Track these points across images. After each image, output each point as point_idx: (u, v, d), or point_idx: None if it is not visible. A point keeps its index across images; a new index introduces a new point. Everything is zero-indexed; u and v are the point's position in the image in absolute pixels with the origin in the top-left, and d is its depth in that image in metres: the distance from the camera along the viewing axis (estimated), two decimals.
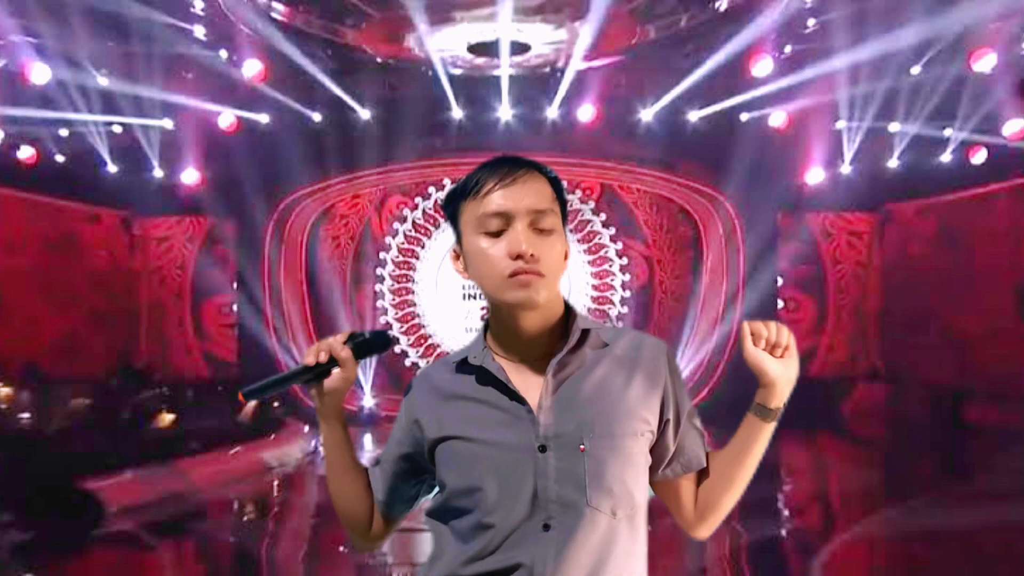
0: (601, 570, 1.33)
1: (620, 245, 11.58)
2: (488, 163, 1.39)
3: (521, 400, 1.36)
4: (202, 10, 7.93)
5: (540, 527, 1.31)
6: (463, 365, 1.42)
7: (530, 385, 1.38)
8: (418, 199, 11.60)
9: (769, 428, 1.47)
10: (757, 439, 1.47)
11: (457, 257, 1.44)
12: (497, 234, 1.35)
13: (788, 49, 8.73)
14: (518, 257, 1.33)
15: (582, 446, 1.34)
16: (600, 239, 11.62)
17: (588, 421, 1.35)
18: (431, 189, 11.57)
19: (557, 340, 1.40)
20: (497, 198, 1.34)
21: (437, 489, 1.45)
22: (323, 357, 1.44)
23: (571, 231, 6.82)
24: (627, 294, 11.65)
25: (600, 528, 1.33)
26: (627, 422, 1.38)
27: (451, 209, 1.42)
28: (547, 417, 1.35)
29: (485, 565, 1.33)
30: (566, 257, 1.42)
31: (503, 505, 1.32)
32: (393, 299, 11.71)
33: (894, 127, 9.85)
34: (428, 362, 10.51)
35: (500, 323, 1.43)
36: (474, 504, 1.34)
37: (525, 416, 1.35)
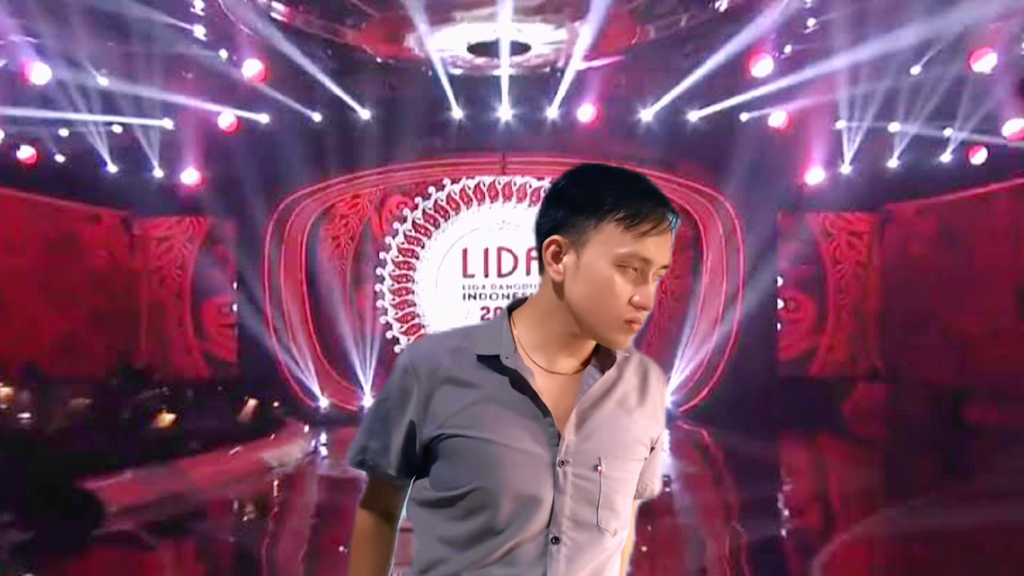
0: None
1: None
2: (640, 190, 1.31)
3: (547, 412, 1.34)
4: (202, 10, 7.93)
5: (550, 540, 1.31)
6: (491, 360, 1.36)
7: (556, 396, 1.36)
8: (418, 199, 11.60)
9: None
10: None
11: (558, 252, 1.35)
12: (631, 274, 1.32)
13: (788, 49, 8.72)
14: (640, 308, 1.32)
15: (599, 467, 1.34)
16: None
17: (605, 442, 1.36)
18: (431, 189, 11.57)
19: (587, 353, 1.41)
20: (651, 245, 1.30)
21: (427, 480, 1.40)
22: None
23: None
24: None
25: (604, 547, 1.36)
26: (634, 447, 1.40)
27: (591, 210, 1.31)
28: (571, 434, 1.34)
29: (490, 572, 1.31)
30: None
31: (519, 514, 1.31)
32: (393, 299, 11.70)
33: (894, 127, 9.84)
34: None
35: (550, 332, 1.38)
36: (482, 507, 1.31)
37: (548, 429, 1.33)
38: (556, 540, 1.31)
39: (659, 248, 1.31)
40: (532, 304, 1.41)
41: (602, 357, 1.40)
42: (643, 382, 1.44)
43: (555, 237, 1.34)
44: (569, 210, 1.32)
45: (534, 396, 1.34)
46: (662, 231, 1.31)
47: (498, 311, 1.49)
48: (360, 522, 1.51)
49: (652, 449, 1.46)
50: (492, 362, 1.36)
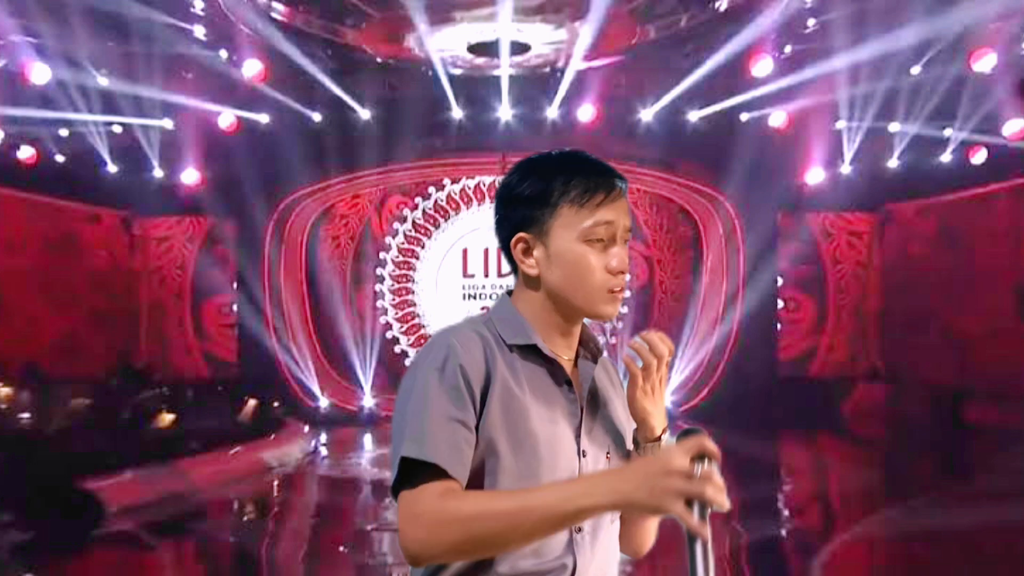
0: (609, 571, 1.39)
1: None
2: (583, 167, 1.36)
3: (576, 400, 1.37)
4: (202, 10, 7.93)
5: (574, 530, 1.33)
6: (523, 350, 1.35)
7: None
8: (418, 199, 11.60)
9: None
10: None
11: (527, 248, 1.38)
12: (599, 245, 1.35)
13: (788, 49, 8.73)
14: (618, 274, 1.36)
15: (608, 453, 1.38)
16: None
17: (609, 429, 1.40)
18: (431, 189, 11.57)
19: (575, 344, 1.43)
20: (607, 212, 1.34)
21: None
22: None
23: None
24: (627, 294, 11.62)
25: (612, 532, 1.40)
26: (627, 433, 1.43)
27: (544, 199, 1.35)
28: (587, 422, 1.38)
29: (528, 565, 1.30)
30: None
31: None
32: (393, 299, 11.71)
33: (894, 127, 9.85)
34: None
35: (547, 323, 1.39)
36: None
37: (574, 419, 1.36)
38: (579, 529, 1.33)
39: (617, 213, 1.35)
40: (521, 299, 1.42)
41: (587, 346, 1.44)
42: (606, 367, 1.47)
43: (520, 235, 1.38)
44: (524, 207, 1.37)
45: (570, 384, 1.37)
46: (614, 198, 1.35)
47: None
48: (454, 501, 1.21)
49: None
50: (525, 351, 1.36)
